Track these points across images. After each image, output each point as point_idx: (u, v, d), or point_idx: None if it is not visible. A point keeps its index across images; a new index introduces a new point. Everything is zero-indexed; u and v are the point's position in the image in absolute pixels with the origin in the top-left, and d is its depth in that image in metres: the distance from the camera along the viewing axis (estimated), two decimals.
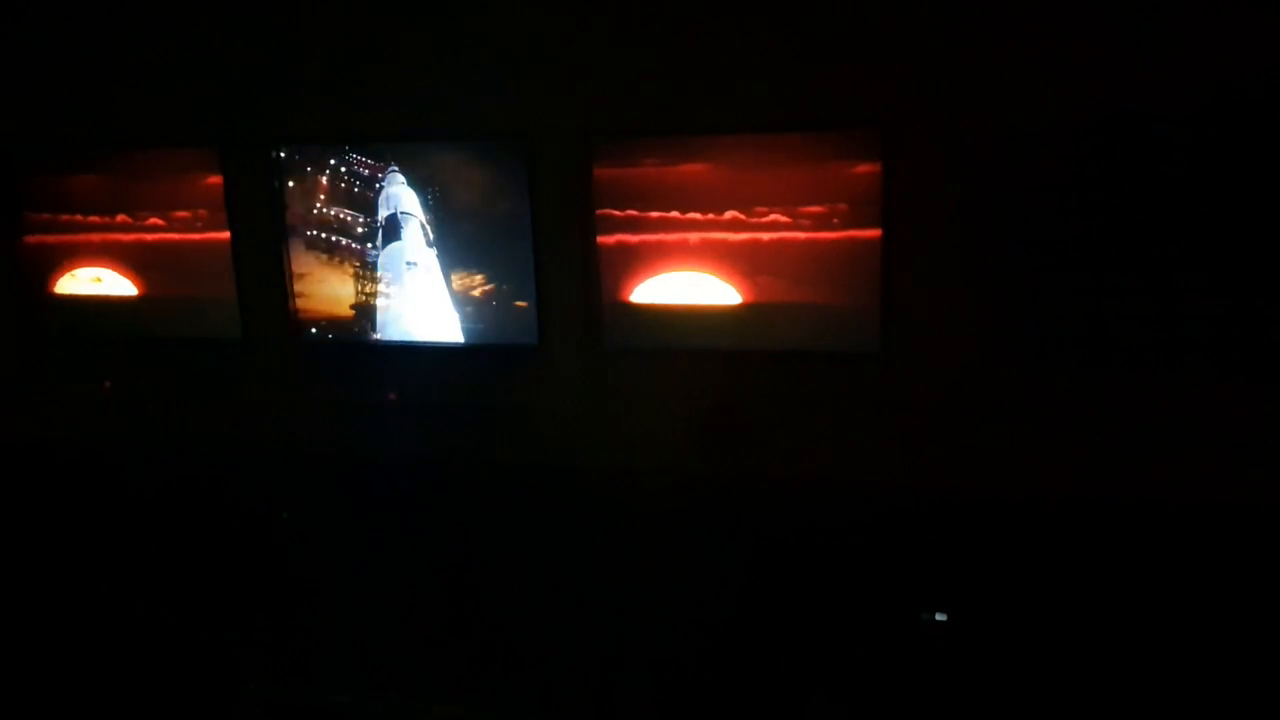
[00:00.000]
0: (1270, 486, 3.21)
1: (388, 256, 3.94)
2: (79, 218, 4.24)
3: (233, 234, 4.07)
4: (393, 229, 3.91)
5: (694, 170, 3.53)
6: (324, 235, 3.98)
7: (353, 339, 4.05)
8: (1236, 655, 3.08)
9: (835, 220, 3.42)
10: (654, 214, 3.59)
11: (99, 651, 3.61)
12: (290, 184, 3.95)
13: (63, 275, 4.33)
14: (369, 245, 3.94)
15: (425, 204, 3.85)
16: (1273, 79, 3.02)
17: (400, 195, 3.87)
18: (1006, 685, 3.17)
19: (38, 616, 3.80)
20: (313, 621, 3.68)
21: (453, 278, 3.90)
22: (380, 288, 3.98)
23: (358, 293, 4.01)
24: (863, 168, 3.37)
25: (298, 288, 4.04)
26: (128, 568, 3.97)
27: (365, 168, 3.87)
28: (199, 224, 4.09)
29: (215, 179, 4.03)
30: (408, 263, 3.92)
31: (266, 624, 3.68)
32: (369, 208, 3.90)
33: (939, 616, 3.36)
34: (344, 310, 4.03)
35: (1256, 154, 3.06)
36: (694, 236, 3.57)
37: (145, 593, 3.85)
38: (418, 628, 3.62)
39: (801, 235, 3.47)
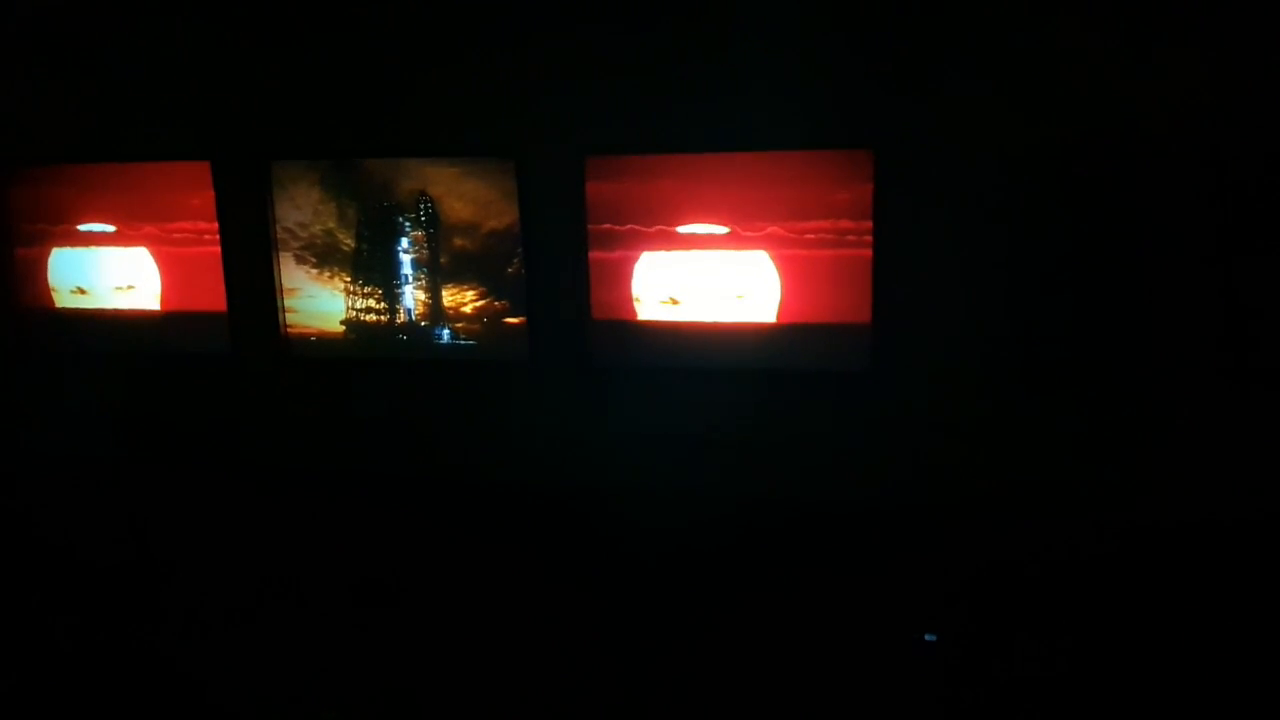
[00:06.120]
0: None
1: (379, 272, 3.94)
2: (71, 230, 4.21)
3: (224, 248, 4.05)
4: (385, 244, 3.91)
5: (689, 186, 3.55)
6: (315, 250, 3.97)
7: (343, 354, 4.03)
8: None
9: (830, 239, 3.45)
10: (651, 229, 3.61)
11: (81, 668, 3.56)
12: (282, 198, 3.95)
13: (55, 287, 4.30)
14: (360, 261, 3.94)
15: (417, 220, 3.85)
16: (1250, 105, 3.08)
17: (393, 212, 3.87)
18: (1003, 704, 3.17)
19: (21, 631, 3.75)
20: (300, 639, 3.64)
21: (444, 293, 3.90)
22: (371, 303, 3.97)
23: (348, 308, 4.00)
24: (856, 187, 3.40)
25: (288, 303, 4.03)
26: (115, 583, 3.93)
27: (359, 184, 3.88)
28: (191, 237, 4.08)
29: (207, 192, 4.02)
30: (399, 278, 3.92)
31: (252, 641, 3.64)
32: (360, 223, 3.90)
33: (929, 637, 3.36)
34: (334, 326, 4.02)
35: (1239, 174, 3.12)
36: (687, 253, 3.59)
37: (131, 608, 3.81)
38: (405, 645, 3.59)
39: (799, 253, 3.50)
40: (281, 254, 4.00)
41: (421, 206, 3.84)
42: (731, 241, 3.55)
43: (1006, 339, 3.40)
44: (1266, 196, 3.09)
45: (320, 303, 4.01)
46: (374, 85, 3.80)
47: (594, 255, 3.67)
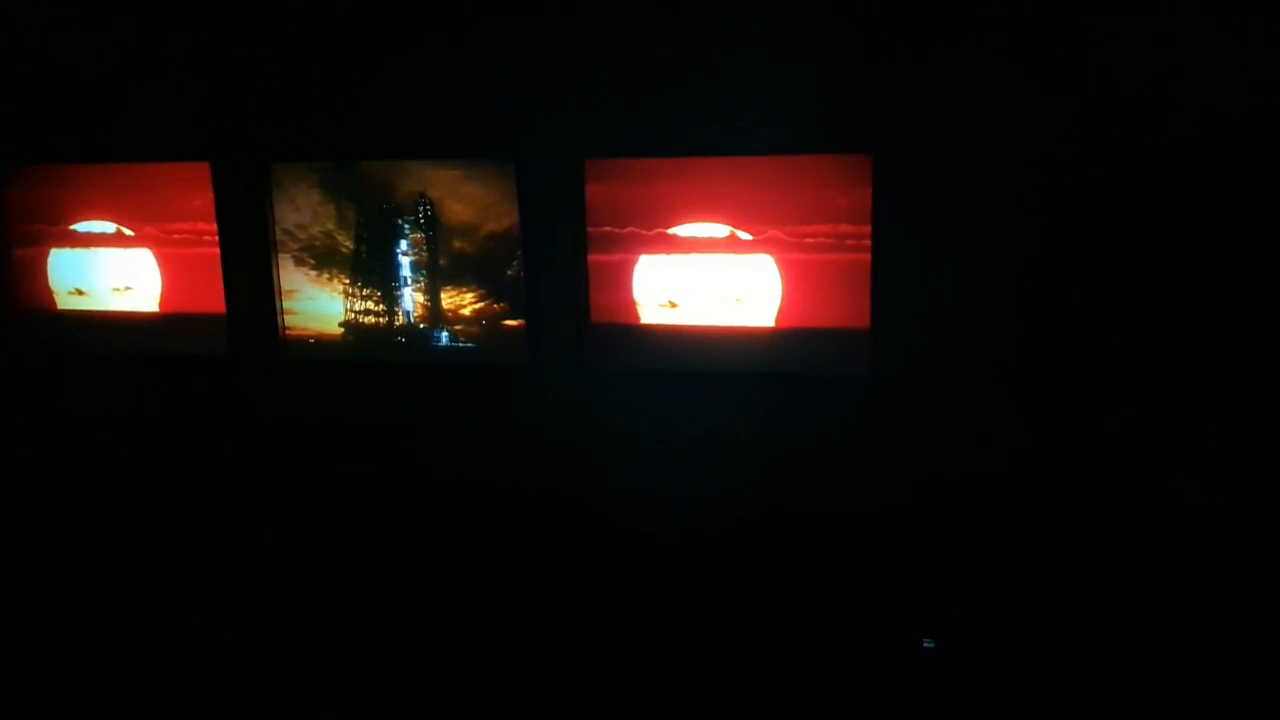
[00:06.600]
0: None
1: (378, 274, 3.93)
2: (70, 231, 4.21)
3: (223, 250, 4.05)
4: (384, 247, 3.90)
5: (688, 189, 3.55)
6: (314, 252, 3.96)
7: (341, 356, 4.03)
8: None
9: (829, 243, 3.45)
10: (650, 232, 3.60)
11: (80, 673, 3.56)
12: (282, 200, 3.95)
13: (55, 288, 4.29)
14: (359, 263, 3.94)
15: (416, 222, 3.85)
16: (1254, 107, 3.07)
17: (392, 214, 3.87)
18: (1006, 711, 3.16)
19: (21, 631, 3.75)
20: (299, 641, 3.64)
21: (443, 296, 3.89)
22: (370, 305, 3.97)
23: (347, 310, 3.99)
24: (855, 192, 3.40)
25: (287, 305, 4.02)
26: (112, 587, 3.92)
27: (358, 186, 3.87)
28: (190, 239, 4.08)
29: (207, 194, 4.01)
30: (398, 281, 3.92)
31: (251, 645, 3.64)
32: (359, 225, 3.90)
33: (927, 643, 3.35)
34: (333, 328, 4.02)
35: (1242, 178, 3.11)
36: (686, 257, 3.59)
37: (128, 612, 3.80)
38: (403, 650, 3.58)
39: (798, 257, 3.49)
40: (281, 256, 4.00)
41: (421, 209, 3.84)
42: (730, 245, 3.55)
43: (1006, 344, 3.39)
44: (1274, 202, 3.08)
45: (319, 305, 4.01)
46: (374, 87, 3.80)
47: (593, 258, 3.67)
